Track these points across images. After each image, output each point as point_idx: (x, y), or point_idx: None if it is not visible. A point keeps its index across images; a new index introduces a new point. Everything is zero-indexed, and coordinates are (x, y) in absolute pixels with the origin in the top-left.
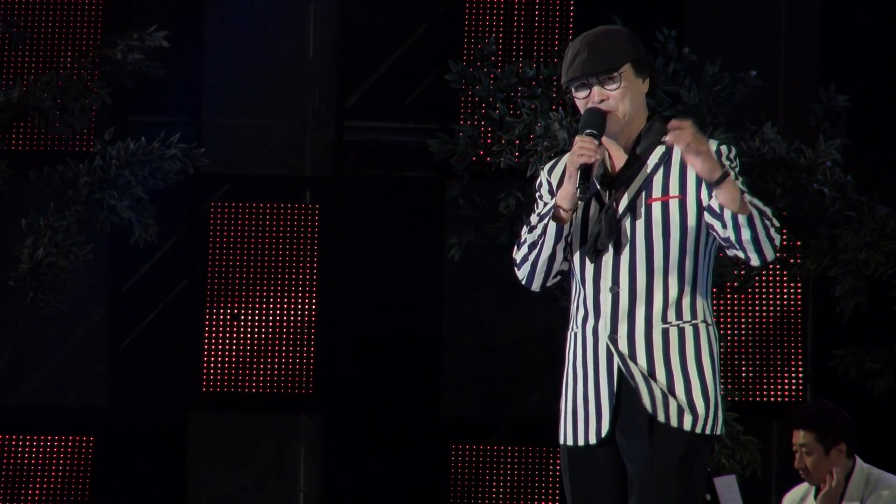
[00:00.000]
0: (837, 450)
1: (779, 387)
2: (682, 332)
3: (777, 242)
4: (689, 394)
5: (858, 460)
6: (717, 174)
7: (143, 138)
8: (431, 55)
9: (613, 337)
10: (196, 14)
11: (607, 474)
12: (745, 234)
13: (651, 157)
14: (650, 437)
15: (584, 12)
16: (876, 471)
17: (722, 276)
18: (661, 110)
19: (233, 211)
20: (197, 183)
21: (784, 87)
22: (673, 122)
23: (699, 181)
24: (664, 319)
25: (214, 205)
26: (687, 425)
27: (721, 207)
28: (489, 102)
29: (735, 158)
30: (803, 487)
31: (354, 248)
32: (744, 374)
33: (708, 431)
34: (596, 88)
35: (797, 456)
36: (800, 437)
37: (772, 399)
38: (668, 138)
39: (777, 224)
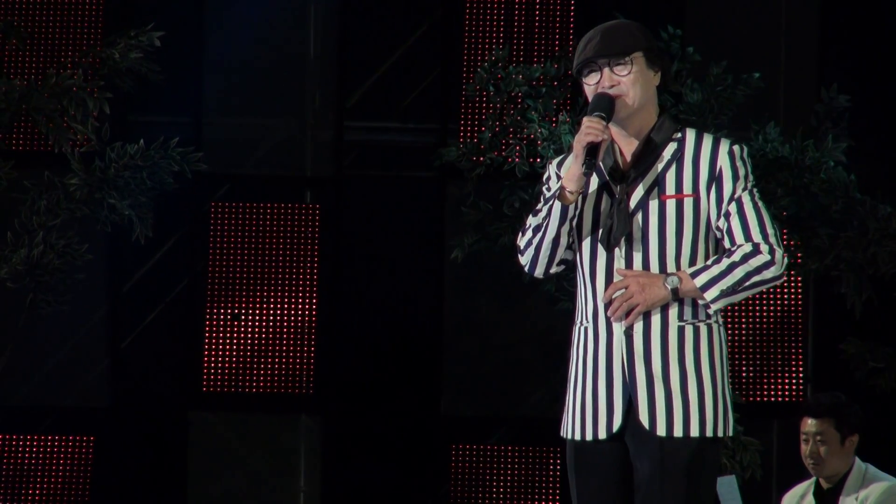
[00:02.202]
0: (851, 441)
1: (779, 387)
2: (697, 330)
3: (774, 275)
4: (702, 395)
5: (857, 459)
6: (668, 298)
7: (141, 141)
8: (431, 55)
9: (629, 332)
10: (196, 14)
11: (613, 470)
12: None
13: (664, 153)
14: (660, 438)
15: (584, 12)
16: (872, 469)
17: None
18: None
19: (233, 211)
20: (197, 183)
21: (785, 87)
22: (611, 294)
23: (711, 181)
24: (681, 317)
25: (214, 205)
26: (697, 427)
27: (727, 231)
28: (503, 107)
29: (748, 158)
30: (802, 487)
31: (355, 248)
32: (744, 374)
33: (720, 433)
34: (606, 72)
35: (809, 444)
36: (815, 425)
37: (772, 399)
38: (613, 314)
39: (760, 264)
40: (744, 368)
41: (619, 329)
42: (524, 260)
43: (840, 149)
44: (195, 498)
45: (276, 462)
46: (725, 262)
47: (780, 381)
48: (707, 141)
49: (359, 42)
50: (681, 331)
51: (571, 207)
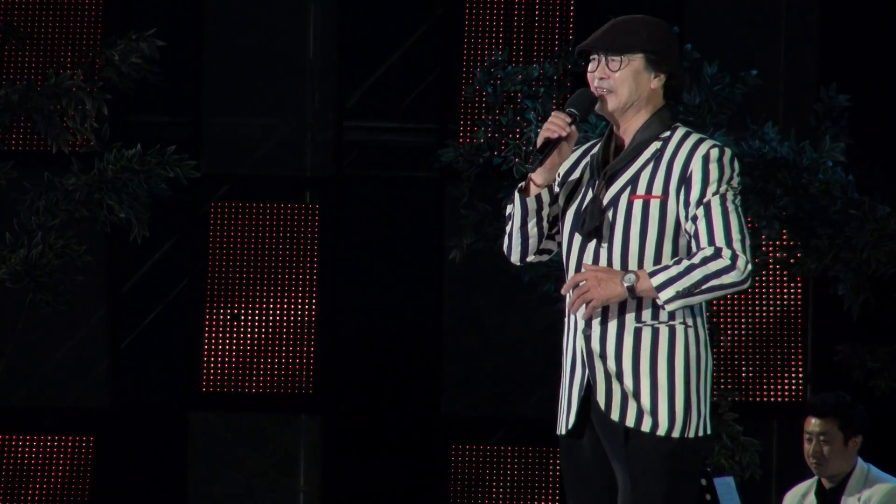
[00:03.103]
0: (854, 441)
1: (779, 387)
2: (655, 332)
3: (734, 281)
4: (655, 397)
5: (860, 459)
6: (624, 295)
7: (138, 146)
8: (431, 55)
9: (587, 332)
10: (196, 14)
11: (589, 465)
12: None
13: (645, 152)
14: (623, 440)
15: (584, 12)
16: (875, 469)
17: None
18: None
19: (233, 211)
20: (197, 183)
21: (784, 87)
22: (571, 287)
23: (681, 183)
24: (638, 318)
25: (214, 205)
26: (650, 428)
27: (693, 235)
28: (501, 108)
29: (729, 163)
30: (804, 486)
31: (354, 248)
32: (744, 374)
33: (676, 434)
34: (602, 64)
35: (812, 444)
36: (819, 424)
37: (772, 399)
38: (571, 307)
39: (719, 267)
40: (744, 368)
41: (580, 328)
42: (504, 247)
43: (837, 149)
44: (195, 498)
45: (276, 462)
46: (685, 263)
47: (779, 381)
48: (688, 143)
49: (359, 42)
50: (637, 332)
51: (531, 200)
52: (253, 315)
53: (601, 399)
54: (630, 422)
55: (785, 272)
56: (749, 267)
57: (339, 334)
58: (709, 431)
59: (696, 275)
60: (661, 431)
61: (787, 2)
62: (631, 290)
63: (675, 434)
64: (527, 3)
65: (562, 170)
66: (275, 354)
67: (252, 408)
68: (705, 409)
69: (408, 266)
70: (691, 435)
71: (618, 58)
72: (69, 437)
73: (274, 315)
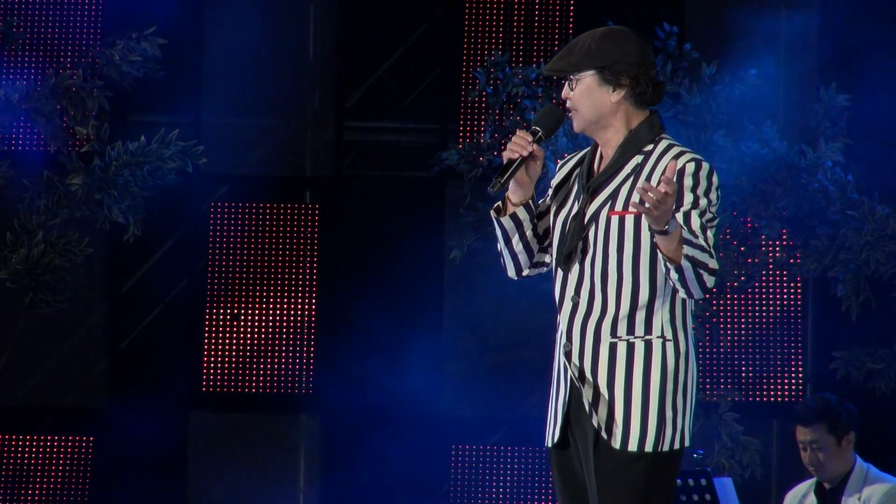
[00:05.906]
0: (847, 440)
1: (779, 387)
2: (631, 347)
3: (708, 285)
4: (627, 412)
5: (858, 458)
6: (662, 227)
7: (142, 137)
8: (431, 55)
9: (568, 346)
10: (196, 14)
11: (575, 475)
12: (673, 276)
13: (626, 167)
14: (595, 453)
15: (584, 12)
16: (874, 469)
17: (722, 277)
18: (661, 111)
19: (233, 211)
20: (197, 183)
21: (784, 87)
22: (665, 180)
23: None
24: (613, 333)
25: (214, 205)
26: (621, 442)
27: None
28: (502, 109)
29: (705, 177)
30: (804, 486)
31: (354, 248)
32: (744, 374)
33: (648, 449)
34: (565, 85)
35: (807, 453)
36: (808, 433)
37: (772, 399)
38: (636, 199)
39: (713, 266)
40: (744, 368)
41: (562, 343)
42: (501, 262)
43: (833, 149)
44: (195, 498)
45: (276, 462)
46: (701, 242)
47: (779, 380)
48: (667, 156)
49: (359, 42)
50: (612, 347)
51: (507, 220)
52: (253, 315)
53: (578, 413)
54: (602, 436)
55: (785, 272)
56: (713, 285)
57: (339, 334)
58: (686, 444)
59: (705, 257)
60: (633, 446)
61: (786, 2)
62: (664, 233)
63: (648, 448)
64: (527, 3)
65: (555, 181)
66: (275, 354)
67: (252, 408)
68: (682, 422)
69: (408, 266)
70: (665, 449)
71: (571, 78)
72: (69, 437)
73: (274, 315)
